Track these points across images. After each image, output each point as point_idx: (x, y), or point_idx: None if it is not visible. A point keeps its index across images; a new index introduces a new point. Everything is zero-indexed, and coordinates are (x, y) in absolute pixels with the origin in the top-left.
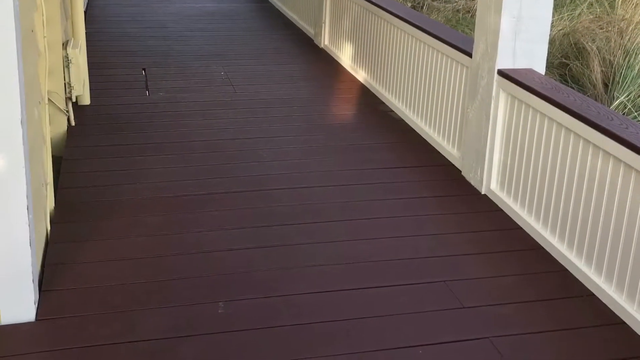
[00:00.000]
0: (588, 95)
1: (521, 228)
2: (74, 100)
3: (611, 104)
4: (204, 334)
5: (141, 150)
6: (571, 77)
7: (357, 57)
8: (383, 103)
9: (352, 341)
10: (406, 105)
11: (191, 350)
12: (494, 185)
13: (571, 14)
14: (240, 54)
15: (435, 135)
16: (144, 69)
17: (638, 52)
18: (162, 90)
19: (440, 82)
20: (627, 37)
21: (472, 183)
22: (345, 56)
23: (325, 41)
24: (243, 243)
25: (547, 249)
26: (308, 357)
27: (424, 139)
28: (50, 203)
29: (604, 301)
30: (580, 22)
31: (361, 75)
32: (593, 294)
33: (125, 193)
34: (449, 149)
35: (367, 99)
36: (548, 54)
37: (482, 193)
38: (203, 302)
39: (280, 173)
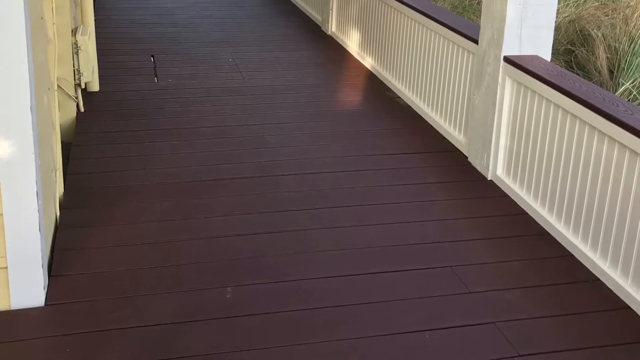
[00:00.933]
0: (593, 82)
1: (527, 213)
2: (83, 86)
3: (616, 90)
4: (212, 319)
5: (150, 136)
6: (577, 64)
7: (364, 43)
8: (390, 89)
9: (358, 326)
10: (413, 92)
11: (199, 335)
12: (500, 171)
13: (577, 1)
14: (248, 40)
15: (442, 121)
16: (153, 56)
17: None
18: (171, 77)
19: (446, 69)
20: (632, 24)
21: (478, 169)
22: (352, 43)
23: (332, 28)
24: (251, 228)
25: (553, 234)
26: (315, 341)
27: (430, 125)
28: (59, 189)
29: (610, 286)
30: (586, 9)
31: (368, 62)
32: (598, 279)
33: (134, 179)
34: (455, 135)
35: (374, 85)
36: (554, 40)
37: (488, 179)
38: (211, 287)
39: (287, 159)
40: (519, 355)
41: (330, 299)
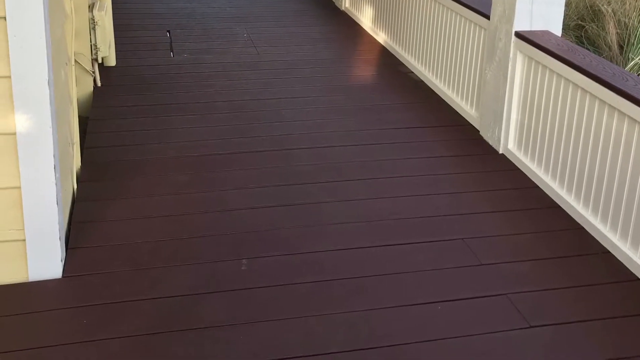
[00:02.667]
0: (603, 57)
1: (538, 187)
2: (100, 61)
3: (626, 65)
4: (227, 291)
5: (166, 110)
6: (587, 39)
7: (377, 19)
8: (402, 64)
9: (371, 297)
10: (425, 66)
11: (214, 307)
12: (512, 145)
13: None
14: (262, 16)
15: (454, 95)
16: (169, 31)
17: None
18: (186, 52)
19: (458, 44)
20: None
21: (490, 142)
22: (365, 18)
23: (346, 3)
24: (265, 201)
25: (564, 207)
26: (329, 313)
27: (442, 99)
28: (76, 162)
29: (619, 258)
30: None
31: (381, 37)
32: (608, 252)
33: (150, 152)
34: (467, 109)
35: (387, 60)
36: (564, 16)
37: (500, 152)
38: (226, 259)
39: (301, 133)
40: (530, 327)
41: (344, 271)
